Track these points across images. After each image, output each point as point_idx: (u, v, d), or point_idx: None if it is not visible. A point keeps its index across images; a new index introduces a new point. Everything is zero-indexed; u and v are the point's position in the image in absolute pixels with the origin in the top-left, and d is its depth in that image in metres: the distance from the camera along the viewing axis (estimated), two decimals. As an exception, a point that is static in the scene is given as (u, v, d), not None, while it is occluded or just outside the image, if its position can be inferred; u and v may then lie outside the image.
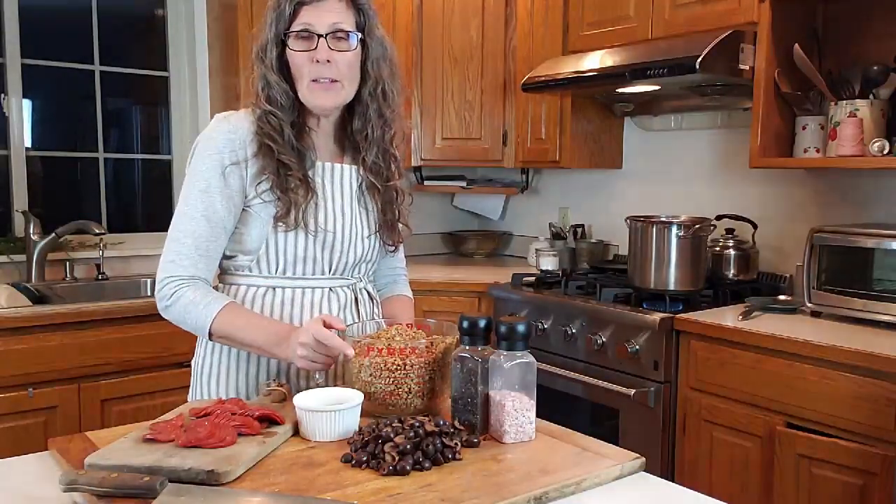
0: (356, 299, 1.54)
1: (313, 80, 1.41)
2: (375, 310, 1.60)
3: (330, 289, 1.50)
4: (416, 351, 1.26)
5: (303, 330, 1.30)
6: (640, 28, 2.72)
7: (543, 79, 2.87)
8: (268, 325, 1.40)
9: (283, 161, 1.40)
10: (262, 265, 1.45)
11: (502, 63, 3.30)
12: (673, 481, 1.15)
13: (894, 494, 1.80)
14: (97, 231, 2.82)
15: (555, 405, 2.43)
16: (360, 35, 1.44)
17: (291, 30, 1.40)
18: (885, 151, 2.18)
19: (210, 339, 1.40)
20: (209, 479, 1.01)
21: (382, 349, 1.25)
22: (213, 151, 1.40)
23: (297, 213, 1.41)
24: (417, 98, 3.31)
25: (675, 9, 2.60)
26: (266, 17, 1.42)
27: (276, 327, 1.39)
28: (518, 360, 1.19)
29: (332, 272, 1.50)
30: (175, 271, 1.40)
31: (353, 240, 1.50)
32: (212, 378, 1.48)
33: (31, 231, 2.79)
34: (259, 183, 1.41)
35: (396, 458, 1.06)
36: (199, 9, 3.19)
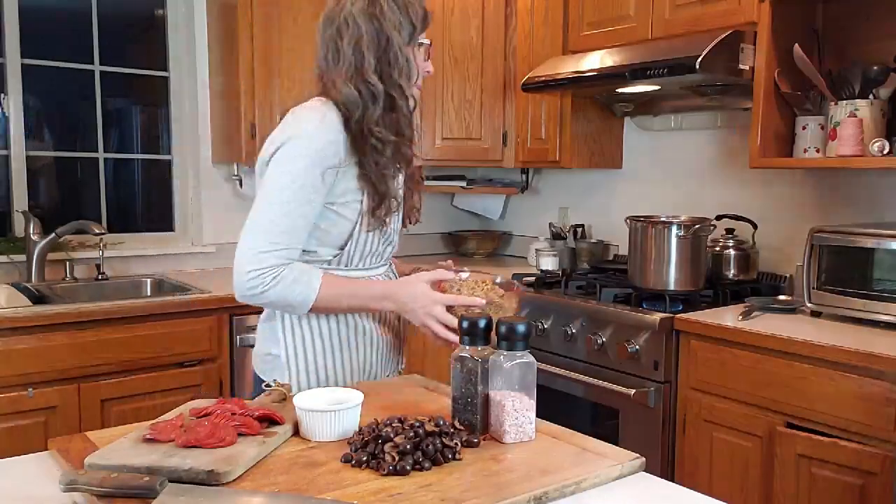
0: (390, 280, 1.66)
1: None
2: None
3: (382, 275, 1.63)
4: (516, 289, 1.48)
5: (436, 309, 1.44)
6: (640, 28, 2.72)
7: (543, 79, 2.87)
8: (364, 286, 1.53)
9: (377, 161, 1.49)
10: (342, 259, 1.54)
11: (502, 63, 3.30)
12: (673, 481, 1.15)
13: (894, 494, 1.80)
14: (97, 231, 2.82)
15: (555, 405, 2.43)
16: None
17: (422, 41, 1.56)
18: (885, 151, 2.18)
19: (309, 311, 1.47)
20: (209, 479, 1.01)
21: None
22: (312, 151, 1.44)
23: (382, 212, 1.52)
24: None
25: (675, 9, 2.60)
26: (401, 28, 1.50)
27: (372, 289, 1.52)
28: (518, 360, 1.19)
29: (382, 261, 1.63)
30: (271, 261, 1.43)
31: (398, 231, 1.64)
32: (308, 362, 1.56)
33: (31, 231, 2.79)
34: (351, 182, 1.49)
35: (396, 458, 1.06)
36: (199, 9, 3.19)
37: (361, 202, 1.51)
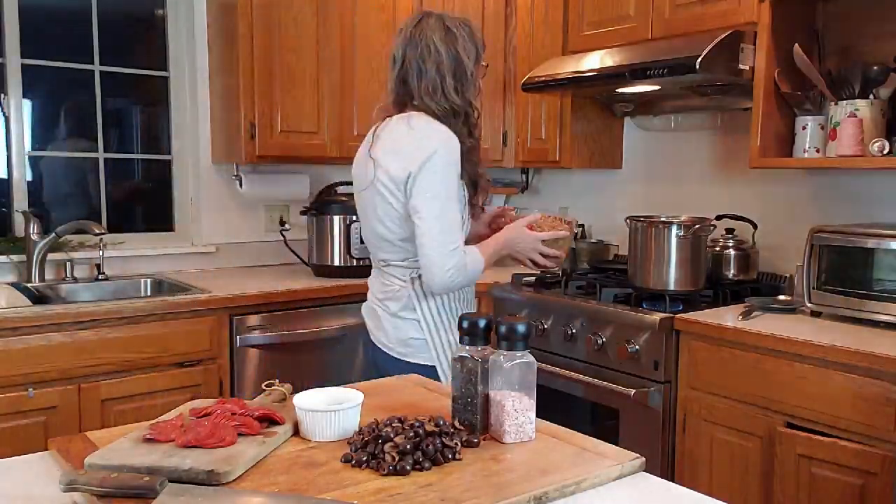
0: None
1: None
2: None
3: None
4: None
5: (538, 245, 1.91)
6: (640, 28, 2.72)
7: (543, 79, 2.87)
8: (491, 244, 1.91)
9: (466, 162, 1.83)
10: None
11: (502, 63, 3.30)
12: (673, 481, 1.15)
13: (894, 495, 1.80)
14: (97, 231, 2.82)
15: (555, 405, 2.42)
16: None
17: (482, 63, 1.91)
18: (885, 151, 2.18)
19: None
20: (209, 479, 1.01)
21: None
22: (454, 157, 1.77)
23: (477, 200, 1.91)
24: (417, 98, 3.31)
25: (675, 8, 2.60)
26: (470, 54, 1.84)
27: (496, 244, 1.92)
28: (518, 360, 1.19)
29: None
30: (460, 252, 1.77)
31: None
32: (444, 337, 1.88)
33: (32, 231, 2.79)
34: (459, 180, 1.81)
35: (396, 458, 1.06)
36: (198, 9, 3.19)
37: (465, 195, 1.85)
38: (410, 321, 1.86)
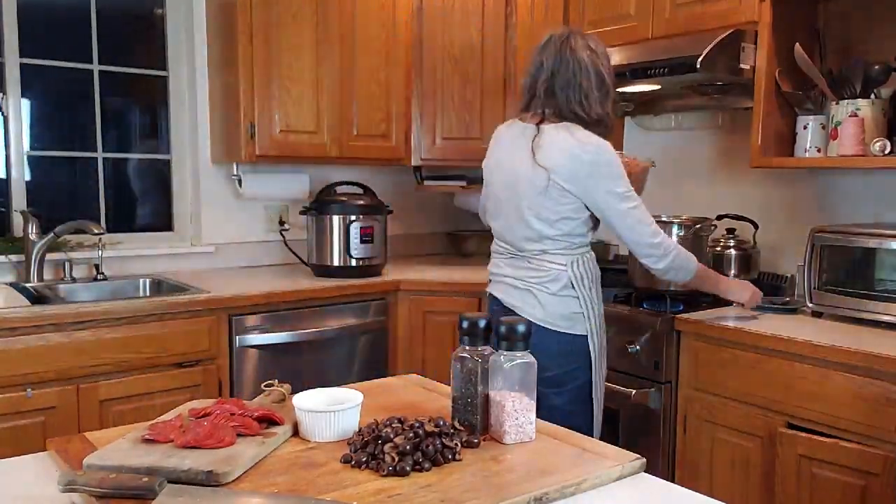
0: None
1: None
2: None
3: None
4: None
5: (756, 294, 2.26)
6: (640, 27, 2.72)
7: (543, 78, 2.86)
8: (708, 273, 2.20)
9: None
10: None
11: (502, 63, 3.29)
12: (673, 482, 1.14)
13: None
14: (96, 231, 2.81)
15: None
16: None
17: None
18: (887, 151, 2.17)
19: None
20: (208, 480, 1.00)
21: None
22: (620, 161, 2.01)
23: None
24: (417, 98, 3.31)
25: (676, 8, 2.60)
26: (607, 70, 2.03)
27: (714, 274, 2.23)
28: (518, 360, 1.19)
29: None
30: (663, 235, 2.07)
31: None
32: (596, 311, 2.09)
33: (30, 231, 2.78)
34: None
35: (396, 458, 1.05)
36: (198, 7, 3.18)
37: None
38: (571, 298, 2.03)
